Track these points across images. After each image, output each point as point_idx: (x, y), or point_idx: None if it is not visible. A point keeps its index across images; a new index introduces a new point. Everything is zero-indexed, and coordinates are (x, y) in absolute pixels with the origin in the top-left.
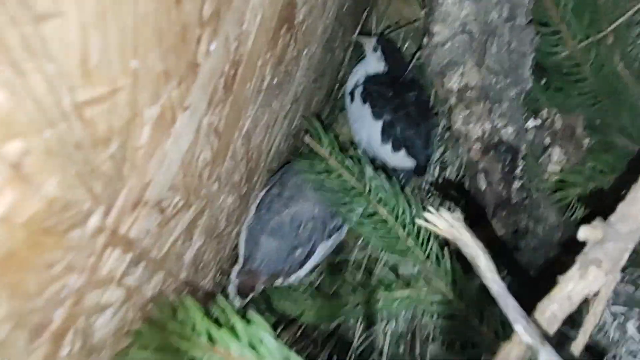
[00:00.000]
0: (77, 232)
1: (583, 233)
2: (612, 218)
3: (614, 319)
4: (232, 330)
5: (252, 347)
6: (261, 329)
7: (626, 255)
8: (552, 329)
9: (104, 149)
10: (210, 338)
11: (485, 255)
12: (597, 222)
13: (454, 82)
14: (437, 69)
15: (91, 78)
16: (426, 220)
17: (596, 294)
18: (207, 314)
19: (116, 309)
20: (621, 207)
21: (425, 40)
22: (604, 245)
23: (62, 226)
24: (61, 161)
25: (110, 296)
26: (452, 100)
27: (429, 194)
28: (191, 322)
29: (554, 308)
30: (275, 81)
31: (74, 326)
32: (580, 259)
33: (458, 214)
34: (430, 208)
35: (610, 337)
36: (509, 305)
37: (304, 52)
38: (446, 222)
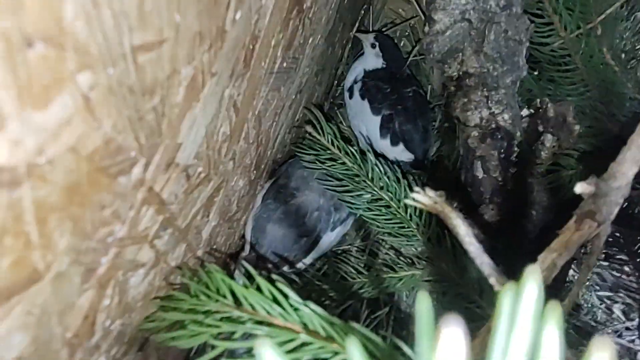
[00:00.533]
0: (123, 179)
1: (579, 187)
2: (605, 175)
3: (601, 303)
4: (258, 289)
5: (277, 304)
6: (284, 287)
7: (616, 209)
8: (551, 275)
9: (150, 99)
10: (236, 300)
11: (464, 223)
12: (591, 179)
13: (453, 70)
14: (438, 56)
15: (145, 23)
16: (414, 199)
17: (589, 245)
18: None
19: (147, 271)
20: (612, 166)
21: (426, 28)
22: (597, 199)
23: (114, 169)
24: (117, 102)
25: (143, 256)
26: (451, 88)
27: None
28: (216, 285)
29: (553, 257)
30: (284, 65)
31: (114, 278)
32: (576, 212)
33: (441, 192)
34: (416, 187)
35: (598, 318)
36: (484, 263)
37: (310, 41)
38: (430, 199)
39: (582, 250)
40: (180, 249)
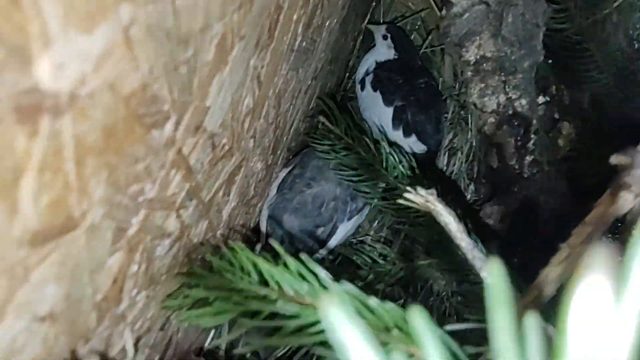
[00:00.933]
0: (156, 134)
1: (614, 159)
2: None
3: None
4: (285, 266)
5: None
6: (314, 265)
7: None
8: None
9: (184, 49)
10: (261, 279)
11: (455, 220)
12: (628, 149)
13: (470, 54)
14: (456, 40)
15: None
16: (406, 199)
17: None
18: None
19: (171, 242)
20: None
21: (443, 12)
22: (633, 170)
23: (148, 120)
24: (155, 45)
25: (170, 225)
26: (468, 73)
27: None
28: (240, 262)
29: (588, 230)
30: (303, 45)
31: (143, 243)
32: (611, 185)
33: (432, 190)
34: (408, 187)
35: None
36: (475, 257)
37: (327, 24)
38: (422, 197)
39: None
40: (202, 225)
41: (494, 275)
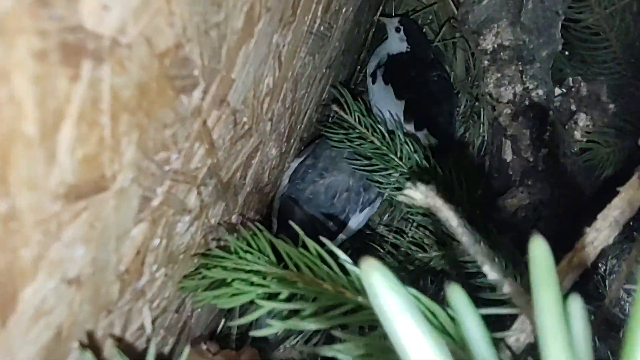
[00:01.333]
0: (185, 99)
1: None
2: None
3: (629, 296)
4: (304, 248)
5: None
6: (334, 247)
7: None
8: (613, 235)
9: (217, 11)
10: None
11: (455, 215)
12: None
13: (488, 42)
14: (474, 27)
15: None
16: (405, 195)
17: None
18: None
19: (191, 220)
20: None
21: None
22: None
23: (179, 83)
24: (189, 2)
25: (190, 201)
26: (485, 62)
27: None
28: (258, 243)
29: (615, 214)
30: (321, 29)
31: (165, 216)
32: (638, 169)
33: (431, 186)
34: (407, 183)
35: (626, 311)
36: (477, 252)
37: (343, 10)
38: (422, 194)
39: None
40: (220, 207)
41: (537, 255)
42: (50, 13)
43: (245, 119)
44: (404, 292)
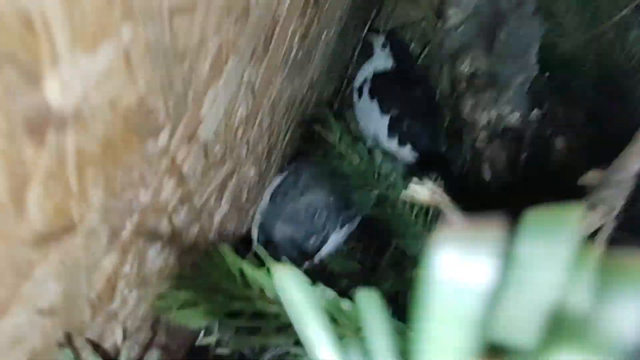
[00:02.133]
0: (151, 143)
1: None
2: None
3: None
4: (268, 271)
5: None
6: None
7: None
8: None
9: (180, 64)
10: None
11: (460, 214)
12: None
13: (464, 67)
14: (450, 52)
15: None
16: (412, 190)
17: None
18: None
19: (163, 245)
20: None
21: (439, 24)
22: None
23: (144, 130)
24: (152, 62)
25: (162, 228)
26: (461, 87)
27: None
28: (226, 266)
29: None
30: (299, 55)
31: (135, 245)
32: None
33: (439, 182)
34: (415, 179)
35: None
36: None
37: (324, 34)
38: (428, 190)
39: None
40: (194, 229)
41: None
42: (14, 95)
43: (217, 148)
44: (308, 289)
